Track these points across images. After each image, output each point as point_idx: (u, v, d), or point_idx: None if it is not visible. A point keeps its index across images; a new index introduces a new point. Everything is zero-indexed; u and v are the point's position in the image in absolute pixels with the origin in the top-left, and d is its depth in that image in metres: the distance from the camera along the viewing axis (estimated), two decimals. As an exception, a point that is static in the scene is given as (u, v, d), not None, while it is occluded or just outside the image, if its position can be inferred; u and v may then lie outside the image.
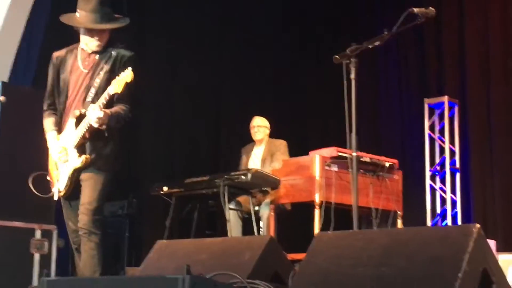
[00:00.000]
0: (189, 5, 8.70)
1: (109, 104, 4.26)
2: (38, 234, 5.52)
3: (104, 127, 4.26)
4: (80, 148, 4.35)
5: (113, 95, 4.21)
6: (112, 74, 4.34)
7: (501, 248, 6.60)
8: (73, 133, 4.35)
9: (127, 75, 4.13)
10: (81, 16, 4.39)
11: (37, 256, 5.48)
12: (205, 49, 8.90)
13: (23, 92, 5.81)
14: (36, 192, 4.61)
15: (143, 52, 8.06)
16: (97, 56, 4.44)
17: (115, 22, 4.46)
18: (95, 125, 4.20)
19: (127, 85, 4.15)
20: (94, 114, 4.17)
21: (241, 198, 6.59)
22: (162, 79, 8.53)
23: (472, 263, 2.88)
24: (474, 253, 2.92)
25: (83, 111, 4.32)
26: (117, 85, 4.14)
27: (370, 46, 4.49)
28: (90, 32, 4.40)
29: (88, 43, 4.44)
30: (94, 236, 4.28)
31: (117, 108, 4.31)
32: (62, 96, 4.47)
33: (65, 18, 4.50)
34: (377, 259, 3.14)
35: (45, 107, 4.58)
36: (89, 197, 4.30)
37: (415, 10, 4.41)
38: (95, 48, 4.43)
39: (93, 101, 4.30)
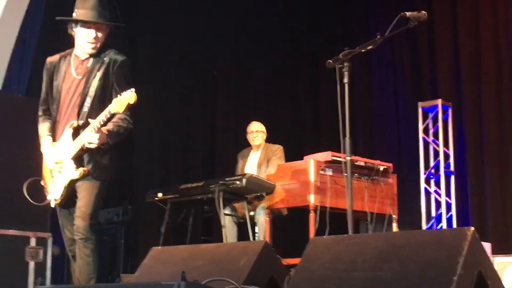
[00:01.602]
0: (182, 10, 8.70)
1: (111, 117, 4.24)
2: (33, 242, 5.50)
3: (104, 146, 4.26)
4: (78, 160, 4.34)
5: (113, 114, 4.19)
6: (106, 80, 4.34)
7: (497, 251, 6.60)
8: (70, 144, 4.33)
9: (129, 96, 4.07)
10: (78, 14, 4.38)
11: (32, 264, 5.46)
12: (199, 54, 8.90)
13: (16, 100, 5.80)
14: (31, 201, 4.60)
15: (136, 57, 8.07)
16: (89, 63, 4.42)
17: (112, 21, 4.46)
18: (90, 147, 4.21)
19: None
20: (88, 139, 4.18)
21: (236, 204, 6.59)
22: (156, 85, 8.53)
23: (467, 266, 2.89)
24: (469, 256, 2.92)
25: (80, 122, 4.31)
26: (117, 105, 4.10)
27: (363, 50, 4.50)
28: (87, 24, 4.37)
29: (84, 45, 4.41)
30: (89, 242, 4.27)
31: (116, 121, 4.29)
32: (55, 103, 4.46)
33: (64, 16, 4.47)
34: (372, 263, 3.14)
35: (40, 113, 4.57)
36: (85, 202, 4.29)
37: (408, 14, 4.43)
38: (89, 51, 4.40)
39: (90, 112, 4.29)
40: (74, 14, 4.41)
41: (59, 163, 4.39)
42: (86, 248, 4.27)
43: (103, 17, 4.39)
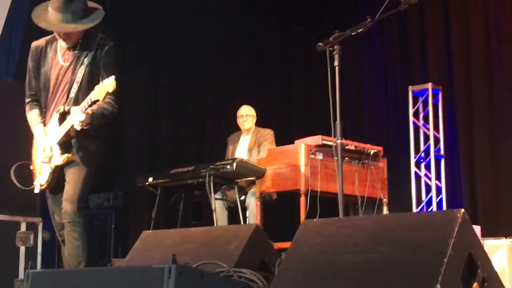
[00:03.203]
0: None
1: (93, 104, 4.21)
2: (23, 227, 5.49)
3: (88, 127, 4.22)
4: (63, 145, 4.33)
5: (95, 101, 4.16)
6: (93, 67, 4.31)
7: (486, 234, 6.63)
8: (56, 130, 4.32)
9: (109, 84, 4.06)
10: (50, 14, 4.28)
11: (22, 249, 5.46)
12: (188, 37, 8.86)
13: (5, 85, 5.77)
14: (17, 184, 4.58)
15: (125, 42, 8.03)
16: (76, 50, 4.38)
17: (85, 22, 4.29)
18: (78, 128, 4.17)
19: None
20: (77, 118, 4.13)
21: (227, 188, 6.59)
22: (145, 69, 8.49)
23: (457, 248, 2.90)
24: (458, 238, 2.92)
25: (66, 108, 4.29)
26: (98, 92, 4.09)
27: (353, 33, 4.50)
28: (56, 32, 4.32)
29: (60, 42, 4.38)
30: (77, 225, 4.26)
31: (101, 104, 4.26)
32: (44, 92, 4.42)
33: (35, 14, 4.37)
34: (363, 245, 3.14)
35: (27, 99, 4.53)
36: (73, 185, 4.29)
37: (398, -4, 4.42)
38: (67, 45, 4.37)
39: (76, 97, 4.27)
40: (49, 9, 4.29)
41: (46, 151, 4.36)
42: (74, 232, 4.27)
43: (74, 18, 4.23)
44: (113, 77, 4.09)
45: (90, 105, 4.17)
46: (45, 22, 4.29)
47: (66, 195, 4.30)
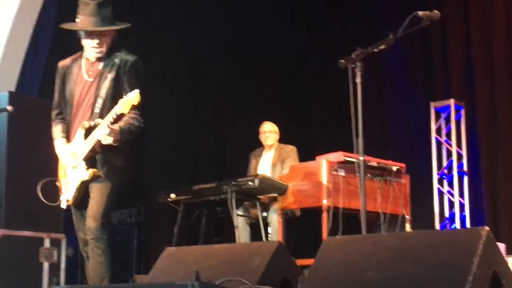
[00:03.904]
0: (192, 9, 8.71)
1: (118, 118, 4.24)
2: (47, 243, 5.52)
3: (117, 143, 4.25)
4: (89, 161, 4.35)
5: (120, 114, 4.19)
6: (117, 81, 4.35)
7: (511, 252, 6.57)
8: (81, 145, 4.35)
9: (133, 97, 4.10)
10: (80, 21, 4.38)
11: (46, 265, 5.48)
12: (209, 54, 8.91)
13: (30, 102, 5.82)
14: (44, 200, 4.62)
15: (146, 58, 8.06)
16: (100, 65, 4.42)
17: (115, 25, 4.42)
18: (105, 142, 4.20)
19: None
20: (102, 132, 4.17)
21: (249, 205, 6.59)
22: (166, 85, 8.54)
23: (481, 266, 2.88)
24: (483, 256, 2.91)
25: (92, 123, 4.32)
26: (123, 106, 4.13)
27: (375, 50, 4.49)
28: (90, 35, 4.37)
29: (90, 50, 4.41)
30: (101, 242, 4.28)
31: (127, 119, 4.29)
32: (68, 107, 4.47)
33: (65, 25, 4.49)
34: (386, 263, 3.13)
35: (53, 116, 4.59)
36: (97, 202, 4.31)
37: (420, 13, 4.41)
38: (96, 55, 4.41)
39: (101, 112, 4.30)
40: (77, 20, 4.40)
41: (72, 156, 4.39)
42: (98, 248, 4.29)
43: (105, 22, 4.35)
44: (137, 90, 4.13)
45: (115, 119, 4.20)
46: (76, 27, 4.38)
47: (90, 211, 4.32)
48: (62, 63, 4.57)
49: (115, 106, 4.17)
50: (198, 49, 8.78)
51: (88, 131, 4.32)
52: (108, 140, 4.19)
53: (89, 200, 4.36)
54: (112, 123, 4.19)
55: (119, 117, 4.23)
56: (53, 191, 4.61)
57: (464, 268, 2.86)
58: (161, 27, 8.64)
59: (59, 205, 4.54)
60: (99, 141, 4.24)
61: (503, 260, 3.15)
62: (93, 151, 4.32)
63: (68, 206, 4.53)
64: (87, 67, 4.46)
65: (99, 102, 4.34)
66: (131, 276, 7.05)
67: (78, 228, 4.51)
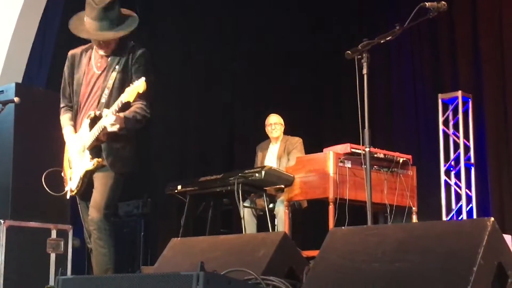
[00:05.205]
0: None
1: (124, 107, 4.23)
2: (53, 234, 5.54)
3: (122, 131, 4.24)
4: (94, 150, 4.34)
5: (126, 102, 4.18)
6: (124, 73, 4.34)
7: (518, 243, 6.55)
8: (87, 135, 4.35)
9: (139, 85, 4.08)
10: (87, 23, 4.35)
11: (53, 256, 5.50)
12: (218, 44, 8.90)
13: (36, 93, 5.83)
14: (48, 190, 4.63)
15: (155, 49, 8.08)
16: (109, 58, 4.43)
17: (121, 28, 4.36)
18: (110, 130, 4.18)
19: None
20: (108, 120, 4.15)
21: (256, 196, 6.59)
22: (174, 76, 8.54)
23: (486, 257, 2.87)
24: (489, 247, 2.90)
25: (97, 112, 4.31)
26: (129, 94, 4.11)
27: (382, 41, 4.49)
28: (95, 40, 4.38)
29: (97, 49, 4.44)
30: (104, 232, 4.26)
31: (133, 109, 4.29)
32: (76, 97, 4.47)
33: (73, 26, 4.44)
34: (391, 254, 3.13)
35: (61, 105, 4.59)
36: (100, 192, 4.30)
37: (427, 4, 4.39)
38: (104, 53, 4.43)
39: (107, 102, 4.30)
40: (85, 19, 4.37)
41: (79, 142, 4.39)
42: (100, 239, 4.27)
43: (112, 26, 4.31)
44: (143, 78, 4.11)
45: (120, 108, 4.18)
46: (85, 33, 4.35)
47: (93, 202, 4.31)
48: (72, 52, 4.57)
49: (122, 95, 4.17)
50: (207, 42, 8.76)
51: (94, 121, 4.31)
52: (113, 128, 4.18)
53: (93, 190, 4.35)
54: (118, 112, 4.18)
55: (126, 106, 4.21)
56: (58, 182, 4.62)
57: (469, 259, 2.85)
58: (169, 15, 8.62)
59: (64, 196, 4.55)
60: (104, 130, 4.22)
61: (509, 251, 3.13)
62: (98, 140, 4.31)
63: (74, 197, 4.54)
64: (96, 59, 4.47)
65: (106, 92, 4.33)
66: (138, 268, 7.07)
67: (84, 219, 4.52)
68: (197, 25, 8.72)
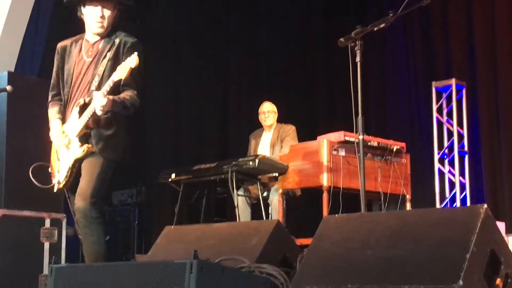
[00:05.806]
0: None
1: (114, 91, 4.16)
2: (47, 223, 5.54)
3: (108, 114, 4.17)
4: (83, 138, 4.26)
5: (118, 81, 4.10)
6: (115, 61, 4.25)
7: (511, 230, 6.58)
8: (76, 122, 4.28)
9: (131, 60, 4.01)
10: None
11: (47, 245, 5.50)
12: (211, 33, 8.88)
13: (29, 82, 5.80)
14: (36, 183, 4.59)
15: (148, 38, 8.06)
16: (100, 45, 4.37)
17: None
18: (99, 113, 4.09)
19: (133, 70, 4.04)
20: (98, 102, 4.04)
21: (250, 185, 6.60)
22: (168, 65, 8.52)
23: (479, 244, 2.88)
24: (481, 234, 2.91)
25: (87, 99, 4.23)
26: (121, 71, 4.03)
27: (375, 29, 4.48)
28: (93, 2, 4.29)
29: (91, 24, 4.34)
30: (91, 221, 4.13)
31: (123, 95, 4.21)
32: (67, 87, 4.40)
33: None
34: (384, 241, 3.14)
35: (50, 98, 4.54)
36: (86, 180, 4.18)
37: (421, -9, 4.39)
38: (98, 30, 4.34)
39: (97, 89, 4.21)
40: None
41: (62, 135, 4.32)
42: (87, 228, 4.14)
43: None
44: (135, 53, 4.04)
45: (112, 86, 4.09)
46: None
47: (79, 189, 4.19)
48: (61, 44, 4.51)
49: (113, 74, 4.08)
50: (200, 30, 8.74)
51: (83, 108, 4.23)
52: (102, 110, 4.05)
53: (80, 179, 4.24)
54: (109, 92, 4.08)
55: (116, 84, 4.12)
56: (46, 174, 4.58)
57: (462, 246, 2.86)
58: (163, 5, 8.60)
59: (51, 188, 4.49)
60: (94, 114, 4.14)
61: (502, 238, 3.14)
62: (87, 127, 4.24)
63: (62, 190, 4.45)
64: (87, 48, 4.41)
65: (96, 80, 4.26)
66: (132, 256, 7.08)
67: (73, 212, 4.41)
68: (189, 14, 8.70)
